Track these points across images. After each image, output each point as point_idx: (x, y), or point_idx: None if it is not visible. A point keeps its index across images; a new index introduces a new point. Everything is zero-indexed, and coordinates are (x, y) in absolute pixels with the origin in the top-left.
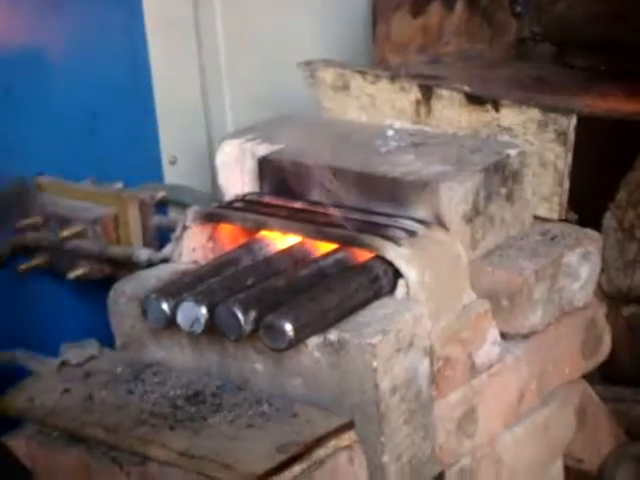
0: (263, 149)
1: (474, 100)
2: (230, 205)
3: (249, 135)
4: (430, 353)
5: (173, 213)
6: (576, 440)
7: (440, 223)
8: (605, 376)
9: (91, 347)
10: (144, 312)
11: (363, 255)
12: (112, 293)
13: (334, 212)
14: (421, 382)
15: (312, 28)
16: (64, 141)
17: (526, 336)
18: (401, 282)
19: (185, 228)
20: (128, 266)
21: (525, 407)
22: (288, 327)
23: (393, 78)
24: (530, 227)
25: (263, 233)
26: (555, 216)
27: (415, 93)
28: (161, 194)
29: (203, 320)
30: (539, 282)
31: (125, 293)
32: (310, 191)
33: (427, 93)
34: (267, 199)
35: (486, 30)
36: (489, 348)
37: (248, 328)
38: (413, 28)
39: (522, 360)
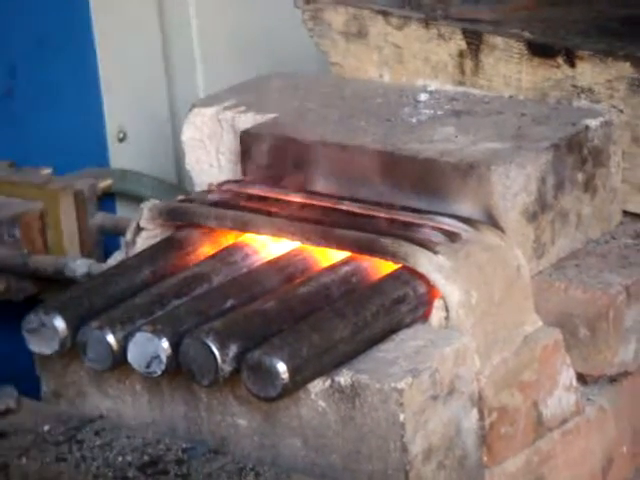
0: (247, 120)
1: (540, 51)
2: (201, 198)
3: (228, 101)
4: (479, 402)
5: (122, 209)
6: None
7: (492, 222)
8: None
9: (7, 396)
10: (81, 347)
11: (385, 267)
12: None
13: (345, 207)
14: (467, 443)
15: None
16: None
17: (614, 379)
18: (438, 304)
19: (139, 229)
20: (59, 283)
21: (614, 479)
22: (281, 367)
23: (427, 22)
24: (618, 227)
25: (246, 237)
26: None
27: (457, 42)
28: (105, 183)
29: (164, 357)
30: (632, 303)
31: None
32: (311, 178)
33: (474, 42)
34: (252, 189)
35: None
36: (562, 396)
37: (227, 369)
38: None
39: (609, 412)
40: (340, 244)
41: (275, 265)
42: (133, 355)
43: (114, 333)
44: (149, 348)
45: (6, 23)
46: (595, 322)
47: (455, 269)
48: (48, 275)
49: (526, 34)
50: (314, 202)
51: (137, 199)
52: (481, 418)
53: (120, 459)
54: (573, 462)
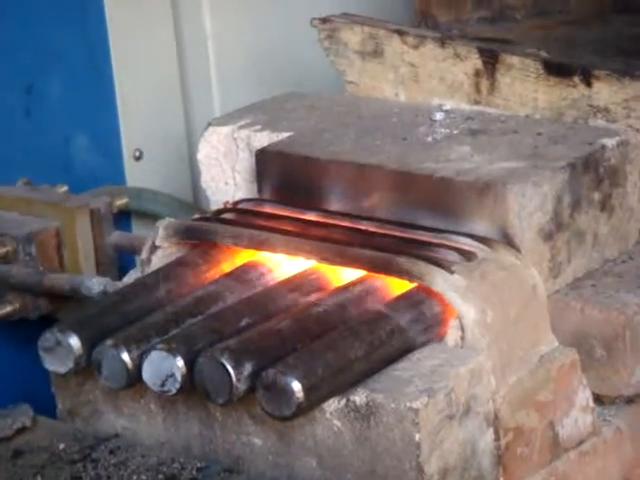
0: (263, 138)
1: (556, 70)
2: (217, 216)
3: (243, 120)
4: (495, 422)
5: (138, 227)
6: None
7: (508, 241)
8: None
9: (22, 415)
10: (97, 365)
11: (400, 286)
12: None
13: (360, 226)
14: (482, 463)
15: None
16: None
17: (631, 400)
18: (454, 323)
19: (154, 248)
20: (74, 301)
21: None
22: (296, 386)
23: (443, 41)
24: (635, 246)
25: (261, 255)
26: None
27: (474, 61)
28: (121, 201)
29: (179, 376)
30: None
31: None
32: (327, 197)
33: (490, 61)
34: (268, 208)
35: None
36: (578, 416)
37: (242, 387)
38: None
39: (625, 434)
40: (355, 263)
41: (290, 284)
42: (148, 374)
43: (129, 352)
44: (164, 367)
45: (23, 41)
46: (612, 342)
47: (471, 288)
48: (64, 293)
49: (542, 53)
50: (329, 221)
51: (153, 217)
52: (497, 438)
53: (135, 478)
54: None
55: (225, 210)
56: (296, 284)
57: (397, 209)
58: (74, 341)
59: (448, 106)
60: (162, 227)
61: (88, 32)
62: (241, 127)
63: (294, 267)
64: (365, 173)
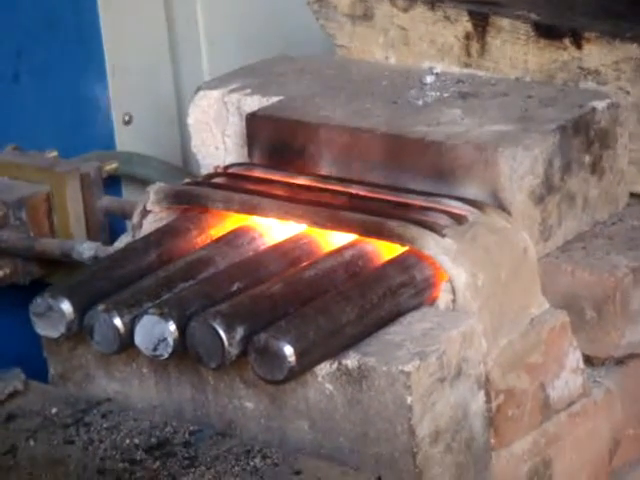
0: (253, 102)
1: (546, 32)
2: (207, 181)
3: (233, 83)
4: (486, 385)
5: (128, 192)
6: None
7: (499, 204)
8: None
9: (14, 379)
10: (89, 330)
11: (391, 250)
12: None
13: (351, 190)
14: (474, 425)
15: None
16: None
17: (621, 361)
18: (445, 286)
19: (145, 212)
20: (65, 266)
21: (620, 461)
22: (288, 350)
23: (433, 4)
24: (625, 209)
25: (252, 220)
26: None
27: (464, 24)
28: (111, 166)
29: (171, 340)
30: (639, 285)
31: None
32: (318, 161)
33: (481, 24)
34: (258, 172)
35: None
36: (569, 378)
37: (234, 352)
38: None
39: (615, 394)
40: (347, 227)
41: (281, 248)
42: (140, 338)
43: (121, 316)
44: (156, 331)
45: (12, 7)
46: (602, 304)
47: (462, 251)
48: (55, 258)
49: (532, 16)
50: (320, 185)
51: (143, 182)
52: (488, 400)
53: (127, 441)
54: (580, 444)
55: (216, 174)
56: (287, 248)
57: (388, 173)
58: (66, 306)
59: (438, 69)
60: (153, 192)
61: None
62: (231, 91)
63: (285, 231)
64: (356, 137)
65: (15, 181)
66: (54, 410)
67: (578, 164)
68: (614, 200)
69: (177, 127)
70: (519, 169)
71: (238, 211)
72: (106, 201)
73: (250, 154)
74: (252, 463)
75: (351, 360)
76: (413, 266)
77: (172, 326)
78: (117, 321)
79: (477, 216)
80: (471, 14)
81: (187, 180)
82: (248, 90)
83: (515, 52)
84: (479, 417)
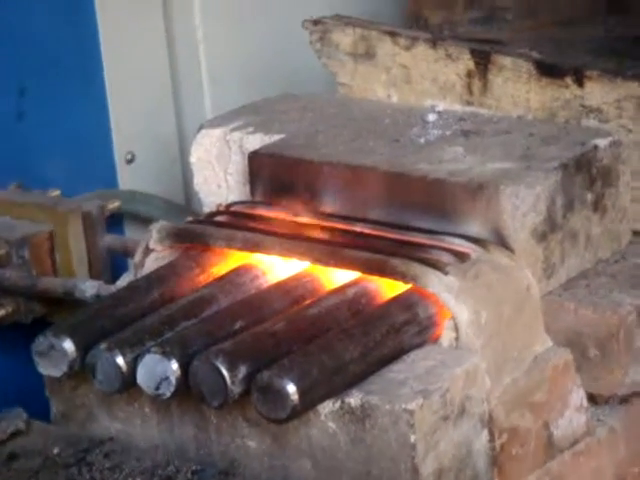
0: (255, 141)
1: (548, 71)
2: (210, 219)
3: (236, 122)
4: (490, 423)
5: (131, 230)
6: None
7: (501, 242)
8: None
9: (16, 418)
10: (91, 369)
11: (394, 287)
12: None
13: (354, 227)
14: (478, 464)
15: None
16: None
17: (625, 399)
18: (448, 324)
19: (148, 251)
20: (68, 305)
21: None
22: (291, 388)
23: (435, 42)
24: (628, 247)
25: (255, 258)
26: None
27: (466, 62)
28: (114, 204)
29: (174, 379)
30: None
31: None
32: (320, 199)
33: (482, 62)
34: (261, 210)
35: None
36: (572, 416)
37: (236, 390)
38: None
39: (619, 434)
40: (350, 264)
41: (284, 286)
42: (142, 377)
43: (123, 355)
44: (158, 370)
45: (16, 46)
46: (605, 342)
47: (465, 289)
48: (57, 297)
49: (534, 54)
50: (323, 223)
51: (146, 221)
52: (492, 439)
53: None
54: None
55: (218, 213)
56: (290, 286)
57: (391, 210)
58: (68, 345)
59: (440, 107)
60: (155, 230)
61: (80, 36)
62: (233, 129)
63: (288, 269)
64: (358, 175)
65: (18, 220)
66: (56, 450)
67: (580, 202)
68: (617, 238)
69: (179, 165)
70: (521, 207)
71: (240, 249)
72: (108, 239)
73: (252, 192)
74: None
75: (354, 398)
76: (416, 304)
77: (174, 365)
78: (119, 360)
79: (480, 254)
80: (473, 52)
81: (189, 218)
82: (250, 128)
83: (517, 90)
84: (483, 456)
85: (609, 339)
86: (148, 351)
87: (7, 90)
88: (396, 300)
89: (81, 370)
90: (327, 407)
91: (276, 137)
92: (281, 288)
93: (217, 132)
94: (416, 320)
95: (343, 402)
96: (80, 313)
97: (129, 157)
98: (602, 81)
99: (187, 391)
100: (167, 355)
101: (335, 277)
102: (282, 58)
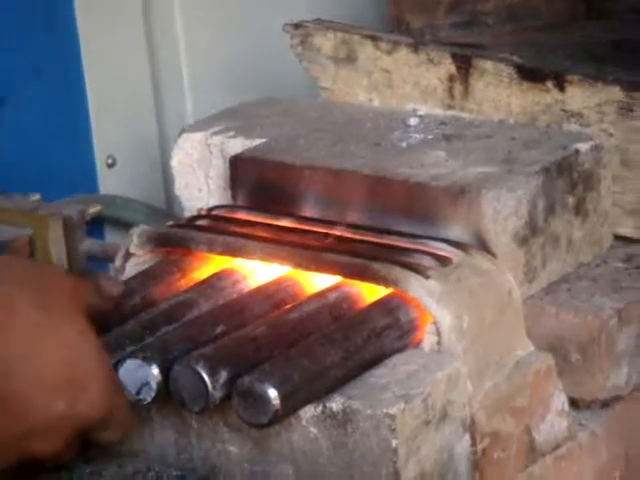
0: (236, 145)
1: (529, 75)
2: (191, 223)
3: (217, 126)
4: (471, 427)
5: (112, 235)
6: None
7: (483, 246)
8: None
9: None
10: None
11: (375, 292)
12: None
13: (335, 231)
14: (459, 468)
15: None
16: None
17: (606, 404)
18: (430, 328)
19: (128, 255)
20: None
21: None
22: (272, 393)
23: (417, 46)
24: (609, 251)
25: (236, 263)
26: None
27: (447, 66)
28: (94, 209)
29: (154, 384)
30: (624, 327)
31: None
32: (302, 203)
33: (464, 66)
34: (242, 214)
35: None
36: (554, 421)
37: (217, 395)
38: None
39: (601, 438)
40: (330, 269)
41: (265, 291)
42: (123, 382)
43: None
44: (139, 375)
45: None
46: (587, 346)
47: (446, 293)
48: None
49: (515, 58)
50: (304, 227)
51: (126, 225)
52: (473, 443)
53: None
54: None
55: (199, 217)
56: (271, 290)
57: (372, 214)
58: None
59: (422, 111)
60: (136, 234)
61: (59, 41)
62: (214, 133)
63: (269, 274)
64: (340, 178)
65: None
66: None
67: (562, 206)
68: (598, 242)
69: (160, 170)
70: (503, 210)
71: (221, 253)
72: (88, 244)
73: (234, 196)
74: None
75: (336, 403)
76: (397, 308)
77: (155, 370)
78: None
79: (462, 258)
80: (454, 56)
81: (170, 223)
82: (231, 132)
83: (498, 94)
84: (464, 460)
85: (590, 343)
86: (129, 356)
87: None
88: (377, 304)
89: None
90: (308, 412)
91: (257, 141)
92: (262, 292)
93: (198, 136)
94: (397, 324)
95: (325, 407)
96: None
97: (110, 161)
98: (583, 85)
99: (168, 396)
100: (148, 360)
101: (316, 281)
102: (263, 62)
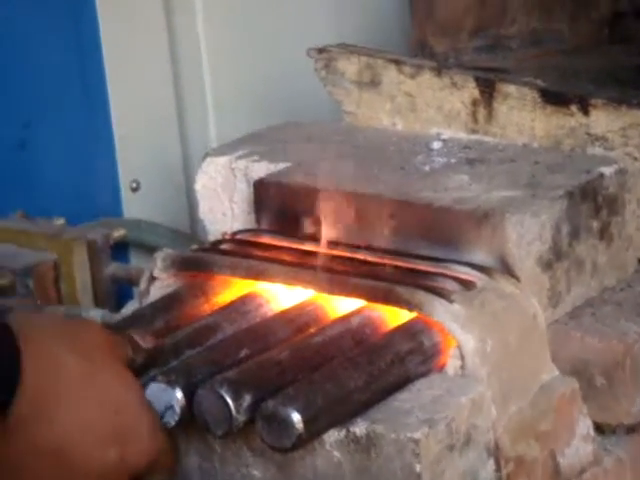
0: (260, 169)
1: (553, 99)
2: (214, 247)
3: (241, 150)
4: (496, 452)
5: (136, 259)
6: None
7: (507, 270)
8: None
9: None
10: None
11: (399, 316)
12: None
13: (359, 255)
14: None
15: (327, 2)
16: None
17: (632, 429)
18: (454, 352)
19: (153, 279)
20: None
21: None
22: (296, 417)
23: (440, 70)
24: (634, 275)
25: (260, 286)
26: None
27: (471, 90)
28: (119, 233)
29: (178, 408)
30: None
31: None
32: (325, 227)
33: (488, 90)
34: (266, 238)
35: (567, 2)
36: (579, 445)
37: (241, 419)
38: (465, 1)
39: (626, 463)
40: (354, 292)
41: (289, 315)
42: None
43: None
44: (163, 398)
45: (21, 80)
46: (612, 371)
47: (470, 317)
48: None
49: (539, 82)
50: (327, 251)
51: (151, 249)
52: (498, 469)
53: None
54: None
55: (223, 241)
56: (294, 314)
57: (396, 238)
58: None
59: (445, 135)
60: (160, 258)
61: (84, 65)
62: (239, 157)
63: (292, 298)
64: (363, 203)
65: (21, 249)
66: None
67: (586, 230)
68: (623, 266)
69: (185, 194)
70: (527, 235)
71: (245, 277)
72: (113, 268)
73: (257, 220)
74: None
75: (359, 427)
76: (421, 332)
77: (179, 393)
78: None
79: (485, 282)
80: (478, 80)
81: (194, 247)
82: (255, 157)
83: (522, 118)
84: None
85: (615, 368)
86: (153, 379)
87: (11, 121)
88: (401, 328)
89: None
90: (332, 436)
91: (281, 165)
92: (285, 316)
93: (222, 160)
94: (421, 349)
95: (348, 431)
96: None
97: (134, 185)
98: (607, 109)
99: (191, 420)
100: (172, 384)
101: (339, 305)
102: (287, 85)
